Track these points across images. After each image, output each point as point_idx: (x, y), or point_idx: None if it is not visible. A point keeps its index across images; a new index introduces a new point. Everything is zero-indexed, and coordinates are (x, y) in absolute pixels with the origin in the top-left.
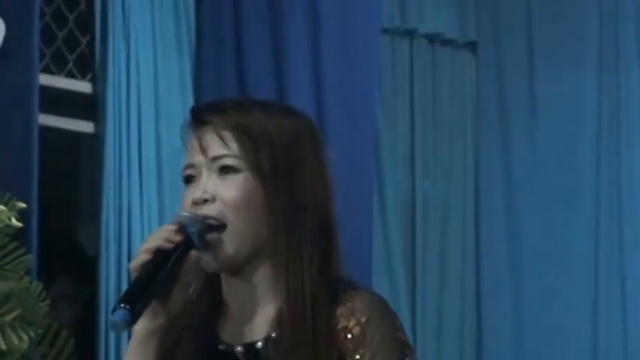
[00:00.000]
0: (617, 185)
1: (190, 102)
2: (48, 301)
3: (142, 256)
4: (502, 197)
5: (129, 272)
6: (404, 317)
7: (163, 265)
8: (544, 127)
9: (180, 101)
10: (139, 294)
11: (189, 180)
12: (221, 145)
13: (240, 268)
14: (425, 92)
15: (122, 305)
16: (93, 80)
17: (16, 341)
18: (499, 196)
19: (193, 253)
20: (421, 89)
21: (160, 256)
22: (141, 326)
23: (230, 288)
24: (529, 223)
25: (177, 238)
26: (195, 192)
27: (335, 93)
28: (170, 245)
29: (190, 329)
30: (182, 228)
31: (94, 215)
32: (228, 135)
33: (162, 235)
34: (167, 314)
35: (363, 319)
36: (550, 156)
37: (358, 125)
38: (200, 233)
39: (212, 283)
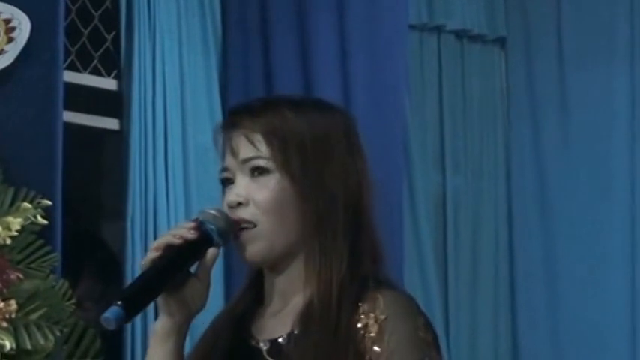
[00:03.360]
0: None
1: (217, 98)
2: (74, 300)
3: (151, 252)
4: (534, 192)
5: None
6: (436, 314)
7: (172, 262)
8: (575, 122)
9: (206, 97)
10: (138, 291)
11: (226, 183)
12: (250, 148)
13: (274, 264)
14: (454, 89)
15: (118, 302)
16: (118, 77)
17: (41, 340)
18: (531, 190)
19: (212, 251)
20: (450, 86)
21: (170, 252)
22: (158, 324)
23: (268, 283)
24: (563, 217)
25: (191, 234)
26: (230, 195)
27: (363, 90)
28: (180, 242)
29: (229, 325)
30: (200, 225)
31: (119, 213)
32: (257, 137)
33: (175, 232)
34: (184, 311)
35: (382, 317)
36: (582, 150)
37: (387, 122)
38: (221, 231)
39: (258, 278)
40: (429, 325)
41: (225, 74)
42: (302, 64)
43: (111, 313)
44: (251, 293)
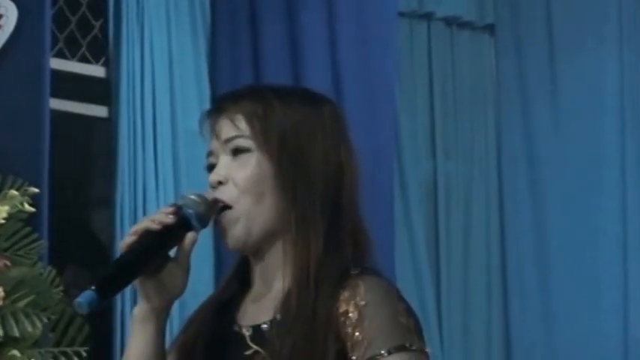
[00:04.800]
0: None
1: (206, 85)
2: (61, 287)
3: (128, 237)
4: (525, 177)
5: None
6: (428, 301)
7: (148, 247)
8: (565, 107)
9: (194, 84)
10: (112, 276)
11: (211, 168)
12: (232, 127)
13: (256, 248)
14: (444, 75)
15: (92, 287)
16: (106, 64)
17: (29, 328)
18: (522, 176)
19: (190, 235)
20: (440, 72)
21: (147, 237)
22: (137, 309)
23: (253, 269)
24: (553, 203)
25: (169, 219)
26: (212, 175)
27: (353, 77)
28: (158, 227)
29: (214, 311)
30: (178, 209)
31: (108, 201)
32: (238, 117)
33: (153, 217)
34: (163, 296)
35: (362, 303)
36: (572, 135)
37: (377, 109)
38: (200, 215)
39: (243, 265)
40: (410, 311)
41: (213, 61)
42: (291, 51)
43: (83, 298)
44: (238, 280)
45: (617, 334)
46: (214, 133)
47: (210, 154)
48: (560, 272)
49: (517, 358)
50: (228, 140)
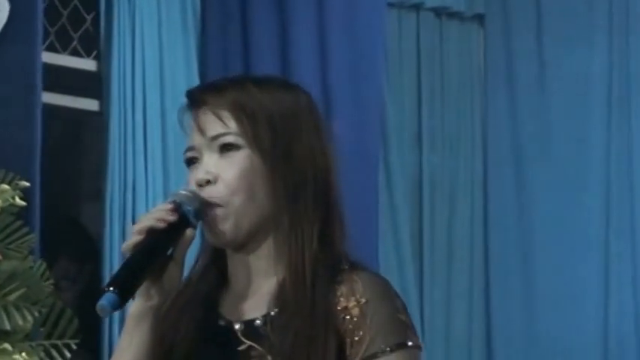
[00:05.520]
0: (629, 156)
1: (196, 79)
2: (52, 281)
3: (134, 236)
4: (511, 171)
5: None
6: (411, 293)
7: (156, 246)
8: (553, 99)
9: (185, 78)
10: (129, 276)
11: (191, 162)
12: (219, 124)
13: (243, 243)
14: (432, 66)
15: (111, 289)
16: (98, 58)
17: (20, 321)
18: (508, 169)
19: (189, 232)
20: (428, 63)
21: (153, 236)
22: (135, 307)
23: (234, 263)
24: (538, 197)
25: (171, 217)
26: (198, 174)
27: (341, 67)
28: (163, 225)
29: (193, 304)
30: (177, 207)
31: (98, 194)
32: (225, 113)
33: (155, 215)
34: (162, 294)
35: (363, 300)
36: (559, 128)
37: (364, 100)
38: (196, 211)
39: (218, 258)
40: (405, 307)
41: (204, 55)
42: (280, 44)
43: (106, 300)
44: (213, 273)
45: (597, 324)
46: (197, 127)
47: (191, 148)
48: (542, 264)
49: (498, 349)
50: (216, 137)
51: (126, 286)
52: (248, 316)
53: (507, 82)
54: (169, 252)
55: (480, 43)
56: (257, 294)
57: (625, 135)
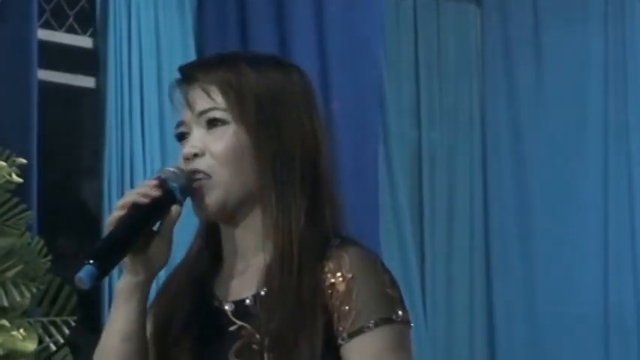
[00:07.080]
0: (625, 134)
1: (192, 55)
2: (50, 257)
3: (116, 211)
4: (509, 147)
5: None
6: (412, 270)
7: (138, 221)
8: (550, 78)
9: (181, 54)
10: (109, 250)
11: (181, 137)
12: (206, 99)
13: (230, 216)
14: (429, 46)
15: (90, 261)
16: (94, 35)
17: (18, 298)
18: (506, 145)
19: (175, 208)
20: (426, 43)
21: (136, 211)
22: (123, 282)
23: (225, 239)
24: (536, 172)
25: (155, 192)
26: (186, 147)
27: (339, 48)
28: (146, 200)
29: (188, 286)
30: (162, 182)
31: (96, 171)
32: (213, 89)
33: (139, 190)
34: (149, 269)
35: (349, 275)
36: (557, 106)
37: (363, 80)
38: (182, 188)
39: (213, 239)
40: (394, 282)
41: (200, 31)
42: (278, 22)
43: (84, 273)
44: (208, 252)
45: (597, 298)
46: (187, 103)
47: (181, 123)
48: (542, 238)
49: (499, 323)
50: (203, 112)
51: (105, 260)
52: (239, 296)
53: (504, 61)
54: (156, 228)
55: (477, 23)
56: (247, 272)
57: (621, 110)
